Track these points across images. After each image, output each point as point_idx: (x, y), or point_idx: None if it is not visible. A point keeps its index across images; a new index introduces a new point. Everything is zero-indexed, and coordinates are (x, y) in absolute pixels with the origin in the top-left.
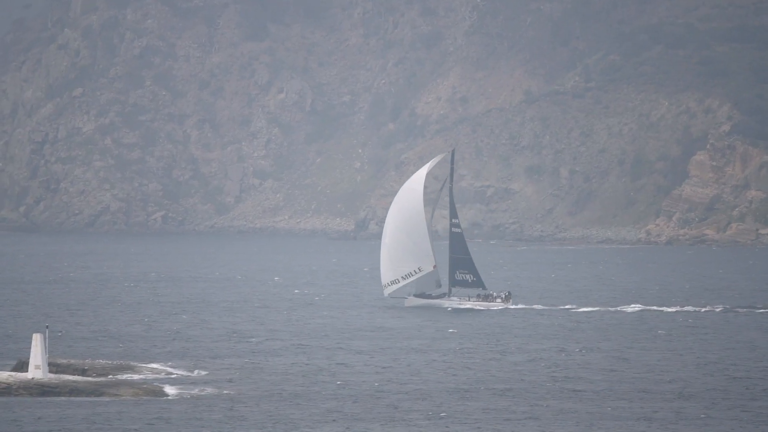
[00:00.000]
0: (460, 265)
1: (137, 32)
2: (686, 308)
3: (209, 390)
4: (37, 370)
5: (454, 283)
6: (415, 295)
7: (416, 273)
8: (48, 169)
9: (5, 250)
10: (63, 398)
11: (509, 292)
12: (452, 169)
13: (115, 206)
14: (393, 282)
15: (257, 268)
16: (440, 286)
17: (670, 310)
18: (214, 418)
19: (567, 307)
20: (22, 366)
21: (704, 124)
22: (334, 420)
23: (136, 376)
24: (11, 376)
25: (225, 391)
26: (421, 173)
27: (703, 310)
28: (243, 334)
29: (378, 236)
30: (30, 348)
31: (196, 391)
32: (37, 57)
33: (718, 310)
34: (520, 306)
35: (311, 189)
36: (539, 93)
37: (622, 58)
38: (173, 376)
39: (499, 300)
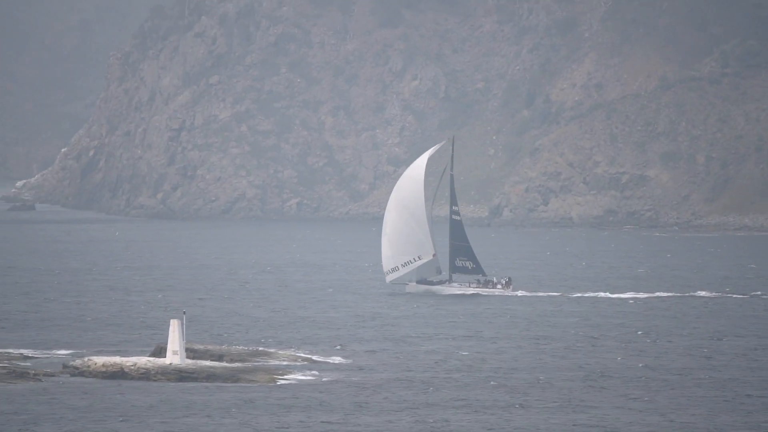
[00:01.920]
0: (459, 252)
1: (273, 20)
2: None
3: (337, 376)
4: (174, 356)
5: (454, 269)
6: (417, 282)
7: (415, 261)
8: (185, 156)
9: (143, 237)
10: (200, 384)
11: (509, 278)
12: (452, 157)
13: (250, 193)
14: (393, 270)
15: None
16: (440, 273)
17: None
18: (336, 405)
19: (658, 294)
20: (160, 351)
21: None
22: (464, 405)
23: (270, 362)
24: (150, 361)
25: (352, 378)
26: (422, 161)
27: None
28: (363, 319)
29: (511, 223)
30: (168, 334)
31: (327, 378)
32: (174, 45)
33: None
34: (520, 293)
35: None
36: (675, 79)
37: (760, 43)
38: (303, 362)
39: (499, 286)
